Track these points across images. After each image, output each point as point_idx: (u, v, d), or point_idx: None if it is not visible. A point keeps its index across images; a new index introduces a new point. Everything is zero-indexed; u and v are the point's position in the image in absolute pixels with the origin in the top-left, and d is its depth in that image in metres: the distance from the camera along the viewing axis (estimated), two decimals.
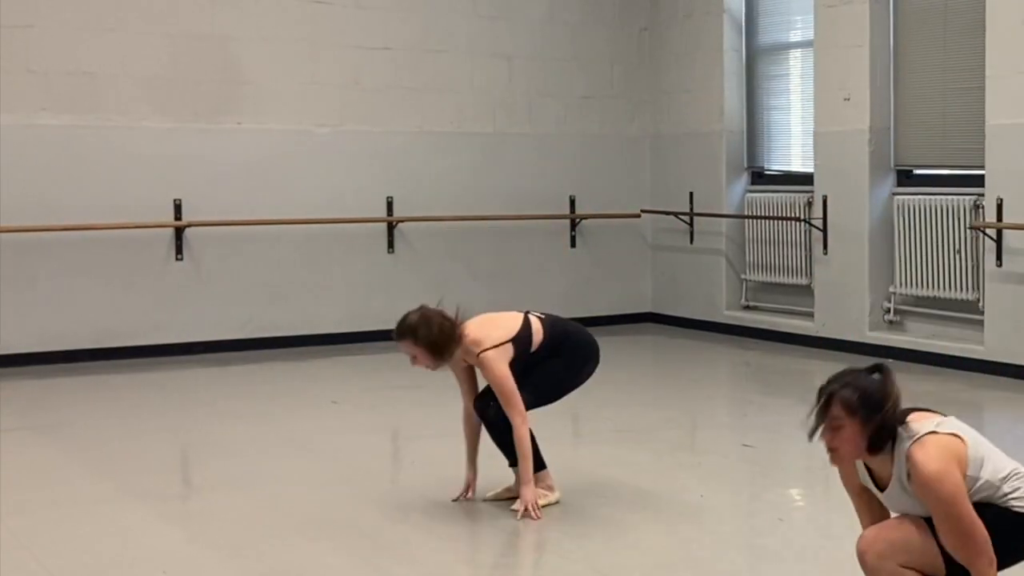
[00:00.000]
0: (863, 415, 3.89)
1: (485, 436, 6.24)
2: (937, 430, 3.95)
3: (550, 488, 6.15)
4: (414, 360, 5.99)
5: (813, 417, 3.99)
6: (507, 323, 6.20)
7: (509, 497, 6.22)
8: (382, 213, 11.71)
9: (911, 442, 3.90)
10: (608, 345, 11.95)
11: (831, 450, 3.98)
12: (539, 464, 6.12)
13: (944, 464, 3.84)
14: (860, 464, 4.08)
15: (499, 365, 5.92)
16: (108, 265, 10.65)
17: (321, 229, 11.43)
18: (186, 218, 10.89)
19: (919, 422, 3.99)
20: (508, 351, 6.01)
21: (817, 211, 11.16)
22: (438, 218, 11.80)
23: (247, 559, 5.49)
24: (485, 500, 6.27)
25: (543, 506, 5.99)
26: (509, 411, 5.92)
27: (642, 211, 12.95)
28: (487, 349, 5.96)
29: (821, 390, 3.99)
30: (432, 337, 5.91)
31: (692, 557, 5.51)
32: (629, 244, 13.07)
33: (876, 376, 3.97)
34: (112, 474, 6.99)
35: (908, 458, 3.88)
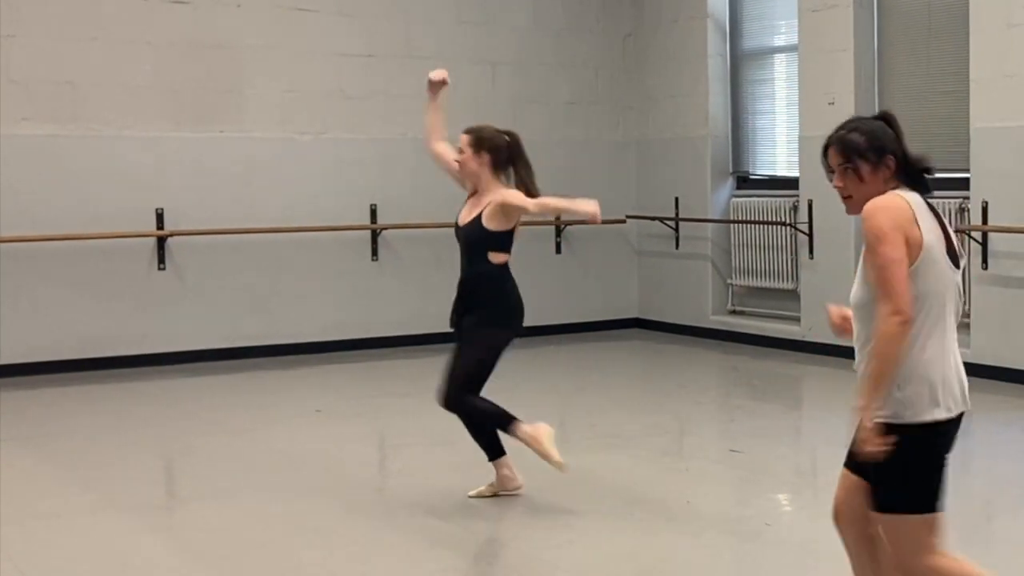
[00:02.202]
0: (872, 157, 3.82)
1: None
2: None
3: (507, 478, 6.44)
4: (460, 152, 6.50)
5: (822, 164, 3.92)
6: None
7: (492, 495, 6.40)
8: (366, 220, 11.67)
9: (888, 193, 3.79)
10: (594, 351, 12.04)
11: (846, 198, 3.91)
12: (499, 451, 6.45)
13: (889, 214, 3.72)
14: None
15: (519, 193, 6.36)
16: (90, 275, 10.59)
17: (304, 237, 11.38)
18: (168, 227, 10.84)
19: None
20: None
21: (803, 215, 11.16)
22: (422, 225, 11.76)
23: (232, 569, 5.44)
24: (469, 497, 6.39)
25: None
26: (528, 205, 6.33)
27: (627, 217, 12.93)
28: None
29: (826, 142, 3.92)
30: (481, 134, 6.52)
31: (679, 563, 5.48)
32: (615, 250, 13.05)
33: (880, 121, 3.89)
34: (96, 485, 6.93)
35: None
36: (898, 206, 3.73)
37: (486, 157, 6.42)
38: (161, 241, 10.85)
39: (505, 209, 6.32)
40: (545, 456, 6.35)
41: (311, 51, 11.46)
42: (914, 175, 3.85)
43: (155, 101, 10.84)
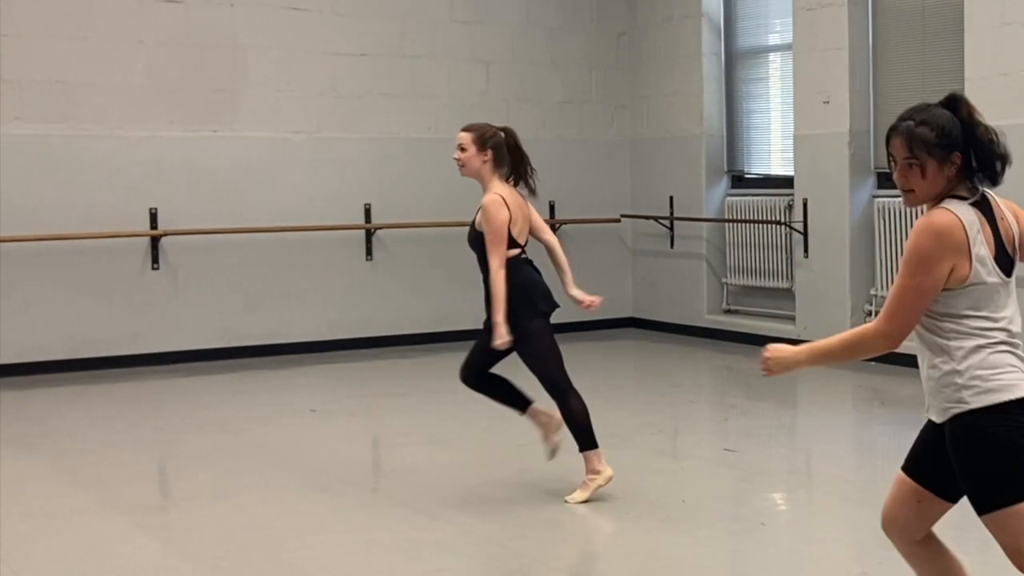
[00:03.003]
0: (939, 155, 3.61)
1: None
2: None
3: (595, 472, 6.39)
4: (460, 150, 6.48)
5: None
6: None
7: (546, 442, 6.65)
8: (360, 220, 11.65)
9: (941, 207, 3.59)
10: (589, 350, 12.02)
11: (907, 192, 3.67)
12: (592, 442, 6.45)
13: (939, 240, 3.52)
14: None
15: (501, 211, 6.35)
16: (84, 275, 10.57)
17: (298, 237, 11.37)
18: (162, 227, 10.81)
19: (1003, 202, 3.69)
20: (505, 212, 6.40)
21: (797, 214, 11.15)
22: (416, 224, 11.75)
23: (227, 569, 5.43)
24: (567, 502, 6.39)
25: (595, 487, 6.35)
26: (490, 255, 6.33)
27: (622, 216, 12.92)
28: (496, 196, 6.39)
29: (893, 128, 3.69)
30: (484, 132, 6.51)
31: (674, 562, 5.47)
32: (609, 249, 13.03)
33: (947, 111, 3.69)
34: (89, 485, 6.92)
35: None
36: (951, 231, 3.53)
37: (489, 154, 6.46)
38: (155, 241, 10.82)
39: (484, 220, 6.40)
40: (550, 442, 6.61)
41: (304, 50, 11.44)
42: (986, 165, 3.65)
43: (148, 100, 10.81)
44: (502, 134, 6.52)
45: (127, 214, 10.70)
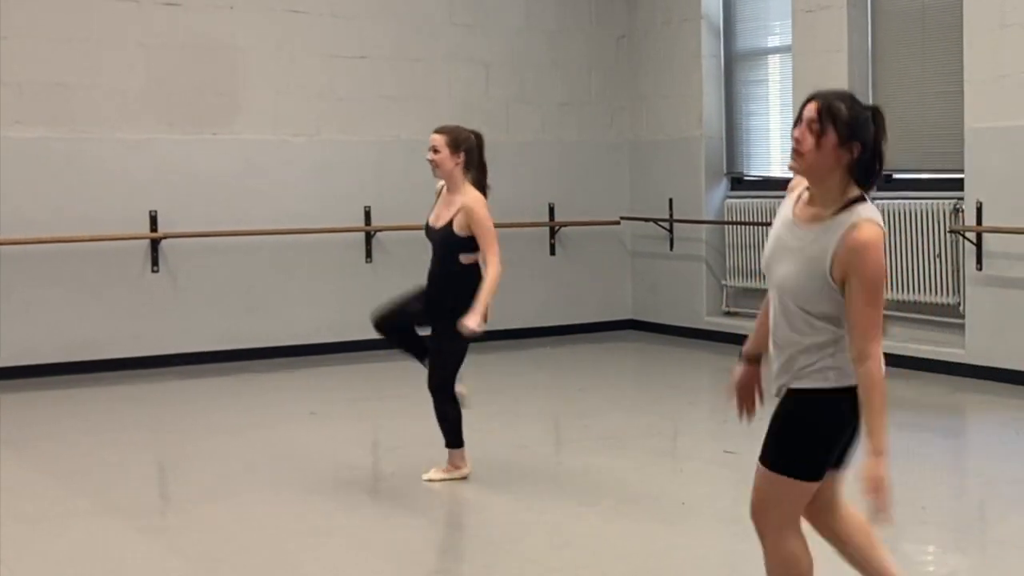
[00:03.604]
0: (843, 133, 3.68)
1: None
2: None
3: (456, 467, 6.80)
4: (434, 152, 6.70)
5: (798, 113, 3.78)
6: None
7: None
8: (360, 222, 11.65)
9: (868, 216, 3.70)
10: (589, 353, 12.03)
11: (797, 152, 3.74)
12: (458, 441, 6.81)
13: (881, 246, 3.68)
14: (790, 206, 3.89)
15: (486, 210, 6.66)
16: (84, 277, 10.57)
17: (298, 239, 11.36)
18: (162, 230, 10.81)
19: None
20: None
21: None
22: (416, 227, 11.68)
23: (227, 572, 5.43)
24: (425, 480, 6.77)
25: (447, 479, 6.75)
26: (490, 254, 6.58)
27: (621, 218, 12.92)
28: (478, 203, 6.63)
29: (813, 95, 3.78)
30: (458, 134, 6.76)
31: (673, 564, 5.47)
32: (609, 251, 13.03)
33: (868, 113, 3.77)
34: (90, 487, 6.91)
35: (857, 225, 3.66)
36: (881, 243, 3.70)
37: (462, 157, 6.70)
38: (154, 243, 10.82)
39: (470, 223, 6.61)
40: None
41: (304, 53, 11.45)
42: (869, 176, 3.77)
43: (148, 103, 10.81)
44: (473, 138, 6.76)
45: (127, 217, 10.70)
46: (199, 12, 10.98)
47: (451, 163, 6.68)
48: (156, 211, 10.80)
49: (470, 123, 11.97)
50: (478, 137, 6.81)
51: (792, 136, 3.76)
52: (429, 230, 6.87)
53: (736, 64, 12.24)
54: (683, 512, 6.29)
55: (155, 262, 10.85)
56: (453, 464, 6.82)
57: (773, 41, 11.92)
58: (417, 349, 6.98)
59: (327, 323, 11.56)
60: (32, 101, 10.37)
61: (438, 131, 6.78)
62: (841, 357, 3.74)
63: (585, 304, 12.86)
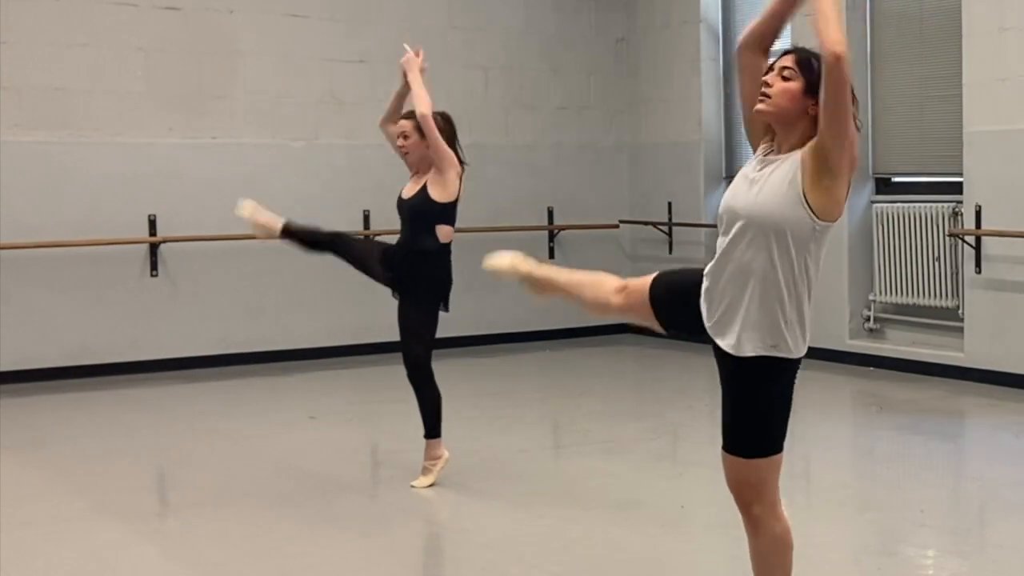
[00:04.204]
0: (812, 81, 3.83)
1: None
2: None
3: (435, 457, 6.75)
4: (404, 138, 6.78)
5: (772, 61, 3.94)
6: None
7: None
8: (359, 227, 11.65)
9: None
10: (588, 356, 12.02)
11: (764, 96, 3.86)
12: (435, 432, 6.74)
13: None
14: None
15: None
16: (82, 282, 10.57)
17: None
18: (161, 234, 10.81)
19: None
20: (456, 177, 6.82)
21: None
22: None
23: None
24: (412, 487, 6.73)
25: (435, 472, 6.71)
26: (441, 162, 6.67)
27: (620, 221, 12.92)
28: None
29: (789, 48, 4.01)
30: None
31: (673, 568, 5.47)
32: (608, 255, 13.03)
33: None
34: (88, 492, 6.91)
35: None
36: None
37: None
38: (153, 248, 10.83)
39: (439, 167, 6.70)
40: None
41: (303, 57, 11.45)
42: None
43: (147, 107, 10.82)
44: (441, 120, 6.77)
45: (126, 221, 10.70)
46: (199, 16, 10.98)
47: (422, 147, 6.71)
48: (155, 215, 10.81)
49: (469, 127, 12.12)
50: (446, 119, 6.81)
51: (763, 80, 3.88)
52: (400, 203, 6.87)
53: (735, 67, 12.22)
54: (683, 516, 6.29)
55: (154, 266, 10.85)
56: (432, 456, 6.77)
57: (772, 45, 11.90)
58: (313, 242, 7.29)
59: (327, 327, 11.56)
60: (32, 105, 10.38)
61: (405, 117, 6.82)
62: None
63: (583, 308, 12.83)
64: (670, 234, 12.62)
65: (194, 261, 10.99)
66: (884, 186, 10.77)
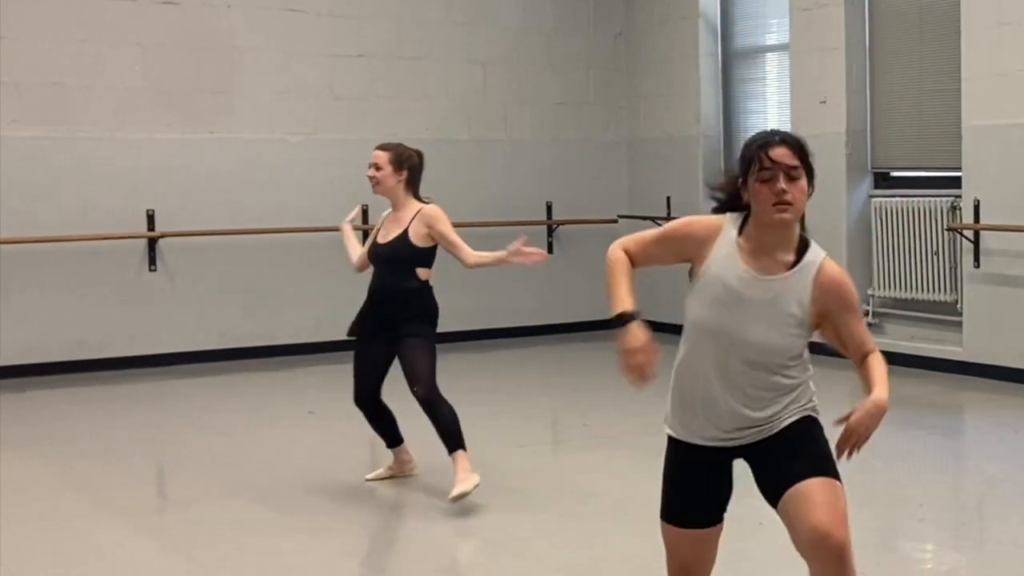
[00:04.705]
0: (811, 172, 3.67)
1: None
2: None
3: (467, 469, 6.30)
4: (376, 169, 6.70)
5: (788, 160, 3.61)
6: None
7: (389, 476, 6.79)
8: (357, 222, 11.61)
9: (823, 253, 3.75)
10: (586, 351, 12.01)
11: (785, 204, 3.61)
12: (460, 443, 6.38)
13: None
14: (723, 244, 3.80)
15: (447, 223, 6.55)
16: (81, 276, 10.56)
17: (296, 238, 11.36)
18: (159, 229, 10.81)
19: None
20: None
21: None
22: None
23: (225, 571, 5.43)
24: (367, 480, 6.73)
25: (464, 493, 6.20)
26: (461, 246, 6.49)
27: (619, 217, 12.91)
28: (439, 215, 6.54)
29: (774, 133, 3.67)
30: (401, 152, 6.69)
31: None
32: (606, 250, 12.98)
33: None
34: (86, 487, 6.91)
35: (822, 264, 3.70)
36: None
37: (404, 175, 6.63)
38: (152, 243, 10.82)
39: (434, 234, 6.51)
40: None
41: (301, 51, 11.44)
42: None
43: (145, 102, 10.81)
44: (415, 156, 6.69)
45: (124, 216, 10.70)
46: (197, 11, 10.97)
47: (393, 180, 6.62)
48: (153, 210, 10.80)
49: (468, 123, 12.12)
50: (419, 156, 6.73)
51: (776, 190, 3.58)
52: (376, 248, 6.70)
53: (734, 62, 12.24)
54: None
55: (152, 261, 10.84)
56: (464, 467, 6.35)
57: (771, 39, 11.92)
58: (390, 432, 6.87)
59: (325, 322, 11.53)
60: (30, 100, 10.37)
61: (381, 147, 6.75)
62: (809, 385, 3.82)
63: (582, 303, 12.84)
64: None
65: (192, 256, 10.98)
66: (883, 180, 10.77)
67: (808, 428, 3.76)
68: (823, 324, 3.72)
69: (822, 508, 3.60)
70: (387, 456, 6.99)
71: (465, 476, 6.26)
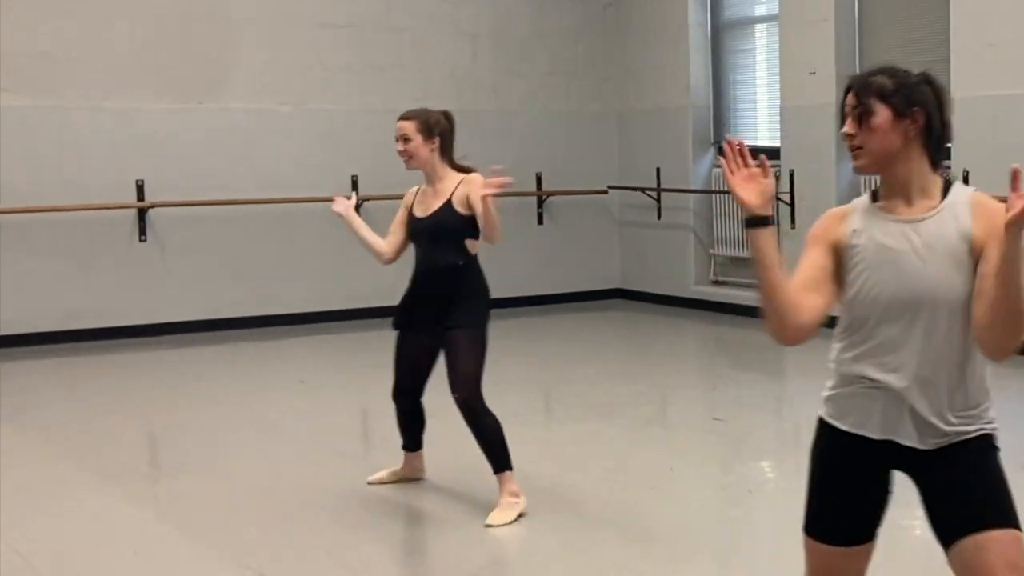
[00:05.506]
0: (898, 103, 3.07)
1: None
2: None
3: (515, 494, 5.66)
4: (405, 141, 5.86)
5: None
6: None
7: (394, 481, 6.18)
8: (347, 191, 11.62)
9: (973, 189, 3.18)
10: (577, 322, 12.05)
11: (854, 148, 3.15)
12: (507, 463, 5.72)
13: None
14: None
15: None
16: (71, 247, 10.55)
17: (285, 208, 11.36)
18: (149, 199, 10.80)
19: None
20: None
21: (784, 186, 11.16)
22: (403, 196, 11.71)
23: (216, 539, 5.45)
24: (369, 483, 6.17)
25: (510, 520, 5.57)
26: (493, 232, 5.68)
27: (609, 187, 12.92)
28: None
29: (847, 83, 3.22)
30: (428, 118, 5.88)
31: (663, 530, 5.50)
32: (596, 221, 13.05)
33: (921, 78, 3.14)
34: (79, 457, 6.92)
35: (973, 195, 3.15)
36: None
37: (436, 142, 5.85)
38: (141, 213, 10.81)
39: (472, 200, 5.75)
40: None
41: (291, 22, 11.41)
42: (941, 148, 3.16)
43: (134, 73, 10.78)
44: (444, 119, 5.93)
45: (114, 186, 10.68)
46: None
47: (426, 150, 5.83)
48: (143, 180, 10.79)
49: (457, 93, 12.07)
50: (448, 118, 5.96)
51: (843, 135, 3.19)
52: (417, 223, 5.97)
53: (723, 33, 12.23)
54: (672, 478, 6.33)
55: (142, 231, 10.84)
56: (511, 492, 5.66)
57: (760, 10, 11.92)
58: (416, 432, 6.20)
59: (315, 292, 11.57)
60: (17, 71, 10.33)
61: (404, 117, 5.89)
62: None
63: (573, 273, 12.88)
64: (658, 200, 12.62)
65: (182, 226, 10.97)
66: None
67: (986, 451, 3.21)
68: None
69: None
70: (376, 431, 6.99)
71: (509, 504, 5.61)
